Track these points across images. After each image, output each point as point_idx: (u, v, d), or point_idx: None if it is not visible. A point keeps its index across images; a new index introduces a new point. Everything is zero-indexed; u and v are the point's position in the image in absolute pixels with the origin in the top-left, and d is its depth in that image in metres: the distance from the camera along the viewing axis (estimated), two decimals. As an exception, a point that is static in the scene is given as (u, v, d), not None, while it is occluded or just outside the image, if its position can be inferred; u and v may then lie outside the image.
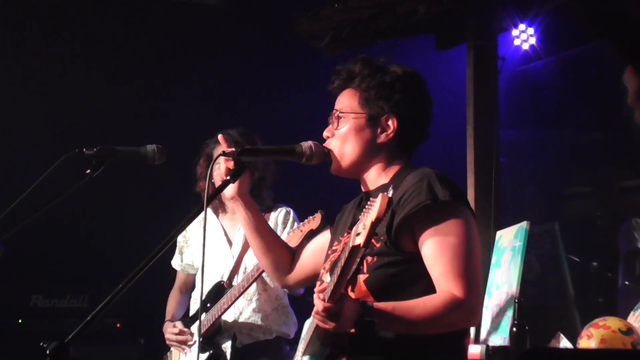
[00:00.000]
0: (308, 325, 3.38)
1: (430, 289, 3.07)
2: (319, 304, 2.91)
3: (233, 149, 3.29)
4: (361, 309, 2.93)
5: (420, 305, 3.01)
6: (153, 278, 4.75)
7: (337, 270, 2.85)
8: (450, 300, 3.00)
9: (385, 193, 2.71)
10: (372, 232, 2.70)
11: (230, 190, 3.51)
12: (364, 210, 2.77)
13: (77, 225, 7.71)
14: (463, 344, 3.22)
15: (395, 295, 3.05)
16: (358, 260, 2.82)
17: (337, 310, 2.88)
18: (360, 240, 2.72)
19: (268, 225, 3.67)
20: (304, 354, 3.21)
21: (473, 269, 3.08)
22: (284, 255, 3.65)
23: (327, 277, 3.24)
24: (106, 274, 6.76)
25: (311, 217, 4.40)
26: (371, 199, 2.75)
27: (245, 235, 3.68)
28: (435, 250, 3.05)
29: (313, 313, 2.97)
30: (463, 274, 3.03)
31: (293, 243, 4.39)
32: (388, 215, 3.01)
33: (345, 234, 3.35)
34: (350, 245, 2.76)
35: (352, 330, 2.98)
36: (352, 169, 3.32)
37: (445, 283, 3.03)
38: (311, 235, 4.34)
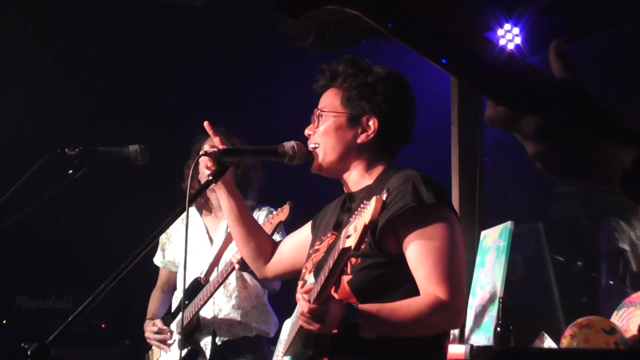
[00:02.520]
0: (289, 325, 3.38)
1: (413, 291, 3.07)
2: (304, 305, 2.91)
3: (215, 150, 3.30)
4: (346, 310, 2.94)
5: (404, 307, 3.02)
6: (138, 278, 4.77)
7: (325, 272, 2.85)
8: (435, 303, 3.01)
9: (379, 196, 2.70)
10: (364, 235, 2.70)
11: None
12: (356, 212, 2.76)
13: (61, 226, 7.69)
14: (444, 345, 3.24)
15: (378, 297, 3.05)
16: (345, 262, 2.83)
17: (323, 312, 2.89)
18: (351, 242, 2.72)
19: (250, 214, 3.69)
20: (285, 354, 3.21)
21: (457, 272, 3.09)
22: (264, 245, 3.67)
23: (309, 277, 3.24)
24: (91, 275, 6.73)
25: (280, 209, 4.41)
26: (364, 201, 2.74)
27: (227, 223, 3.69)
28: (420, 253, 3.06)
29: (298, 314, 2.97)
30: (447, 276, 3.04)
31: None
32: None
33: (329, 234, 3.35)
34: (340, 247, 2.76)
35: (334, 331, 2.98)
36: (333, 168, 3.33)
37: (430, 286, 3.04)
38: (280, 227, 4.37)
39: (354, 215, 2.77)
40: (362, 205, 2.74)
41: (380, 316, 2.99)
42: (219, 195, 3.60)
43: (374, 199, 2.68)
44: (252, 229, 3.65)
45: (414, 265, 3.07)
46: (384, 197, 2.71)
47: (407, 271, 3.08)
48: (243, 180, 5.13)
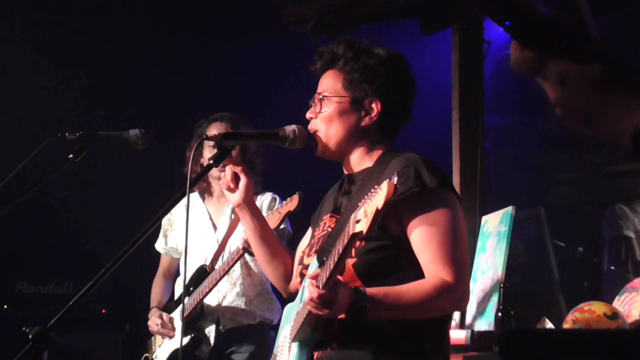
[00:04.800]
0: (291, 311, 3.36)
1: (418, 274, 3.07)
2: (313, 291, 2.89)
3: (216, 134, 3.28)
4: (354, 294, 2.93)
5: (411, 290, 3.02)
6: (139, 264, 4.76)
7: (334, 257, 2.83)
8: (441, 285, 3.01)
9: (391, 180, 2.68)
10: (376, 220, 2.67)
11: (235, 197, 3.54)
12: (366, 196, 2.74)
13: (62, 211, 7.68)
14: (447, 328, 3.24)
15: (383, 280, 3.05)
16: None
17: (332, 297, 2.88)
18: (362, 227, 2.69)
19: (273, 233, 3.67)
20: (293, 340, 3.20)
21: (461, 255, 3.09)
22: (287, 261, 3.66)
23: (308, 260, 3.24)
24: (92, 260, 6.73)
25: (289, 198, 4.41)
26: (375, 186, 2.72)
27: (251, 243, 3.67)
28: (423, 237, 3.06)
29: (306, 300, 2.95)
30: (452, 259, 3.05)
31: (272, 224, 4.40)
32: None
33: (326, 217, 3.35)
34: (350, 232, 2.74)
35: (342, 316, 2.98)
36: (337, 151, 3.32)
37: (435, 269, 3.04)
38: (290, 216, 4.39)
39: (363, 200, 2.75)
40: (372, 190, 2.72)
41: (388, 299, 2.99)
42: (242, 217, 3.59)
43: (385, 183, 2.66)
44: (275, 248, 3.64)
45: (418, 248, 3.07)
46: (395, 180, 2.69)
47: (412, 254, 3.09)
48: (247, 165, 5.13)
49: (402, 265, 3.10)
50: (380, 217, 2.68)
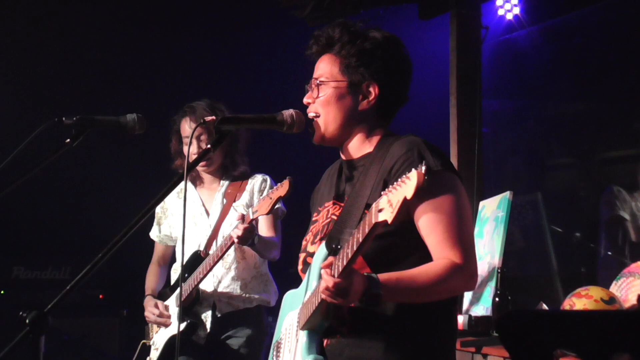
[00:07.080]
0: (296, 298, 3.35)
1: (425, 258, 3.06)
2: (328, 280, 2.87)
3: (213, 117, 3.27)
4: (367, 282, 2.92)
5: (422, 273, 3.01)
6: (136, 249, 4.75)
7: (352, 246, 2.81)
8: (451, 266, 3.01)
9: (419, 170, 2.65)
10: (402, 209, 2.65)
11: None
12: (392, 185, 2.71)
13: (59, 196, 7.68)
14: (455, 310, 3.26)
15: (391, 266, 3.04)
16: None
17: (347, 285, 2.86)
18: (385, 216, 2.66)
19: None
20: (302, 328, 3.18)
21: (467, 235, 3.09)
22: None
23: (313, 248, 3.23)
24: (88, 245, 6.74)
25: (279, 184, 4.40)
26: (406, 174, 2.69)
27: None
28: (430, 220, 3.05)
29: (321, 289, 2.94)
30: (459, 241, 3.04)
31: (263, 210, 4.42)
32: (380, 186, 3.02)
33: (328, 203, 3.33)
34: (373, 221, 2.72)
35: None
36: (335, 137, 3.30)
37: (443, 251, 3.03)
38: (280, 201, 4.38)
39: (387, 189, 2.72)
40: (400, 179, 2.69)
41: (401, 285, 2.98)
42: None
43: (414, 172, 2.62)
44: None
45: (425, 232, 3.07)
46: (423, 169, 2.66)
47: (418, 239, 3.08)
48: (231, 148, 5.16)
49: (410, 249, 3.10)
50: (406, 207, 2.66)
